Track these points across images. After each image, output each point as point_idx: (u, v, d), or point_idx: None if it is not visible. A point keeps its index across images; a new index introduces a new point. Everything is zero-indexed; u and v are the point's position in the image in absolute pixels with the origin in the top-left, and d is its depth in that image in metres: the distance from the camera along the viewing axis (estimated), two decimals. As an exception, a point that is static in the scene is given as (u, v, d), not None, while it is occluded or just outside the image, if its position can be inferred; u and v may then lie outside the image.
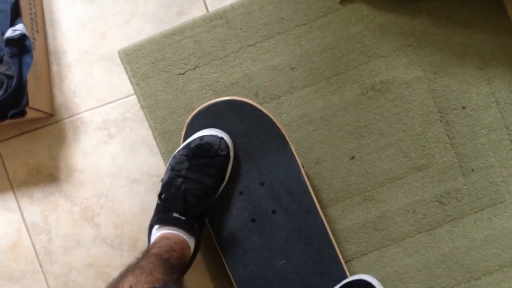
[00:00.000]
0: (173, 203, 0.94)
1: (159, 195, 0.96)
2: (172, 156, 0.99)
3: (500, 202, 1.10)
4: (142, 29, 1.12)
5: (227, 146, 0.98)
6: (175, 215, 0.94)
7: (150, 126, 1.11)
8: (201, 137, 0.98)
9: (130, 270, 0.81)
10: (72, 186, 1.11)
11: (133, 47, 1.10)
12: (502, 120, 1.10)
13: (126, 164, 1.12)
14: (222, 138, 0.97)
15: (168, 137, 1.10)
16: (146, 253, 0.88)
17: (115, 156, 1.12)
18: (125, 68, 1.11)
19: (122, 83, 1.12)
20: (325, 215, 1.04)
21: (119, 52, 1.11)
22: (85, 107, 1.12)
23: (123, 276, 0.80)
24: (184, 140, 1.01)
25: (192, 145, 0.97)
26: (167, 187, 0.96)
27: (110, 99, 1.12)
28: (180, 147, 0.99)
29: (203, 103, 1.02)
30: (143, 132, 1.12)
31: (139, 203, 1.12)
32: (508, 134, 1.10)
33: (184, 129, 1.02)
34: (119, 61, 1.11)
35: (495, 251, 1.10)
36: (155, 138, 1.11)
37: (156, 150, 1.11)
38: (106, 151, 1.12)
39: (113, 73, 1.12)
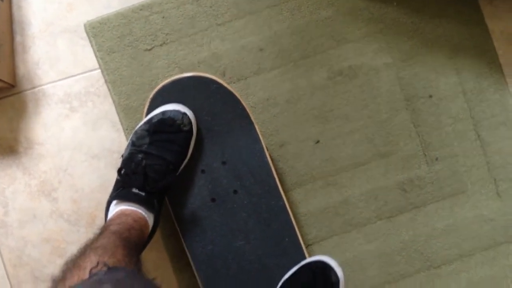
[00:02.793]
0: (132, 179, 0.92)
1: (119, 171, 0.94)
2: (134, 131, 0.97)
3: (462, 192, 1.10)
4: (110, 2, 1.10)
5: (190, 122, 0.96)
6: (135, 190, 0.92)
7: (114, 101, 1.09)
8: (163, 112, 0.96)
9: (91, 248, 0.78)
10: (31, 159, 1.09)
11: (100, 20, 1.08)
12: (468, 111, 1.10)
13: (87, 138, 1.09)
14: (185, 114, 0.96)
15: (131, 113, 1.08)
16: (105, 229, 0.85)
17: (76, 130, 1.09)
18: (90, 42, 1.09)
19: (86, 57, 1.10)
20: (287, 198, 1.03)
21: (85, 25, 1.09)
22: (47, 79, 1.09)
23: (83, 253, 0.77)
24: (147, 115, 0.99)
25: (154, 120, 0.96)
26: (127, 163, 0.94)
27: (73, 72, 1.09)
28: (142, 122, 0.97)
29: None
30: (106, 107, 1.10)
31: (98, 179, 1.09)
32: (474, 125, 1.10)
33: (147, 104, 1.00)
34: (84, 34, 1.09)
35: (456, 240, 1.10)
36: (118, 114, 1.09)
37: (119, 126, 1.09)
38: (67, 125, 1.09)
39: (78, 46, 1.10)
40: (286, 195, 1.03)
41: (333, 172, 1.09)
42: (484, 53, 1.11)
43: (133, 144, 0.96)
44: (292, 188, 1.09)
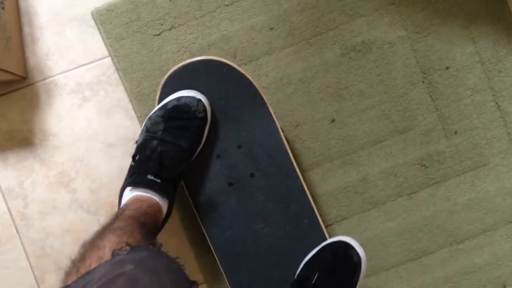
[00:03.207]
0: (147, 165, 0.91)
1: (133, 157, 0.93)
2: (148, 117, 0.96)
3: (484, 165, 1.08)
4: (116, -12, 1.08)
5: (204, 109, 0.95)
6: (150, 177, 0.91)
7: (126, 89, 1.08)
8: (178, 98, 0.95)
9: (109, 229, 0.78)
10: (47, 151, 1.09)
11: (107, 7, 1.07)
12: (487, 81, 1.07)
13: (102, 128, 1.09)
14: (200, 100, 0.94)
15: (144, 100, 1.07)
16: (121, 213, 0.85)
17: (90, 119, 1.09)
18: (98, 29, 1.08)
19: (96, 45, 1.09)
20: (304, 179, 1.02)
21: (92, 13, 1.07)
22: (58, 69, 1.09)
23: (101, 234, 0.77)
24: (159, 101, 0.98)
25: (169, 106, 0.94)
26: (142, 149, 0.93)
27: (84, 61, 1.09)
28: (156, 107, 0.96)
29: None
30: (119, 95, 1.09)
31: (115, 167, 1.09)
32: (493, 95, 1.07)
33: (159, 90, 0.99)
34: (92, 22, 1.08)
35: (478, 214, 1.08)
36: (130, 101, 1.08)
37: (132, 113, 1.09)
38: (81, 114, 1.09)
39: (87, 35, 1.09)
40: (303, 176, 1.02)
41: (350, 151, 1.08)
42: (500, 20, 1.08)
43: (147, 130, 0.95)
44: (309, 168, 1.08)
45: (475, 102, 1.07)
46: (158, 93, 0.98)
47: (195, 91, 0.96)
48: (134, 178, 0.91)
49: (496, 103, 1.07)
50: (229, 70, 0.98)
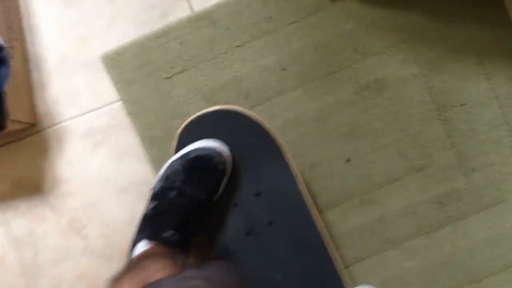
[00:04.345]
0: (164, 218, 0.90)
1: (152, 208, 0.91)
2: (169, 163, 0.94)
3: (502, 202, 1.07)
4: (124, 32, 1.07)
5: (225, 161, 0.93)
6: (165, 234, 0.89)
7: (137, 133, 1.06)
8: (201, 148, 0.93)
9: (127, 271, 0.78)
10: (58, 197, 1.07)
11: (116, 51, 1.05)
12: (503, 116, 1.06)
13: (113, 172, 1.07)
14: (222, 152, 0.93)
15: (156, 143, 1.06)
16: (139, 260, 0.84)
17: (101, 165, 1.07)
18: (108, 74, 1.06)
19: (106, 89, 1.07)
20: (322, 221, 1.01)
21: (101, 57, 1.06)
22: (68, 115, 1.07)
23: (121, 276, 0.77)
24: (177, 150, 0.96)
25: (191, 156, 0.93)
26: (160, 198, 0.92)
27: (94, 106, 1.07)
28: (178, 155, 0.94)
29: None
30: (130, 139, 1.07)
31: (128, 212, 1.07)
32: (509, 131, 1.06)
33: (176, 139, 0.97)
34: (102, 66, 1.06)
35: (499, 251, 1.07)
36: (142, 145, 1.06)
37: (144, 157, 1.07)
38: (92, 160, 1.07)
39: (96, 79, 1.07)
40: (321, 217, 1.01)
41: (367, 190, 1.06)
42: (513, 55, 1.07)
43: (167, 177, 0.93)
44: (326, 208, 1.06)
45: (491, 138, 1.06)
46: (175, 143, 0.97)
47: (218, 141, 0.95)
48: (149, 233, 0.89)
49: (513, 138, 1.06)
50: (243, 118, 0.97)
